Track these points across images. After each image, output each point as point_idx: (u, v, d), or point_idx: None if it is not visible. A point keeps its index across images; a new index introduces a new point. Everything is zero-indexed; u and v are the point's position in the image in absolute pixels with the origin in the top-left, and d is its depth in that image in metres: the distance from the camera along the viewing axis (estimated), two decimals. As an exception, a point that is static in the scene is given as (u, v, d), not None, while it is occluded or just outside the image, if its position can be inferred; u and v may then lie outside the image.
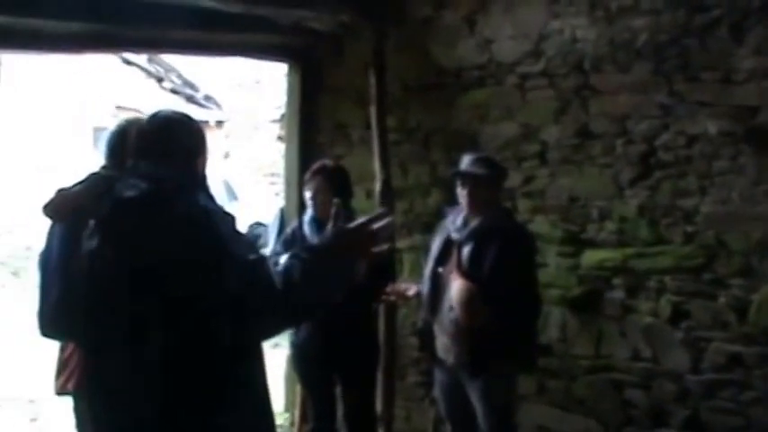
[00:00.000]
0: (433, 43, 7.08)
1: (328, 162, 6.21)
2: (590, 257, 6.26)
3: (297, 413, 7.43)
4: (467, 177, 5.40)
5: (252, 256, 3.48)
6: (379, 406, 6.58)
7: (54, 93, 21.35)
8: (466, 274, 5.23)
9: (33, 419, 8.49)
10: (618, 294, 6.13)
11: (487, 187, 5.40)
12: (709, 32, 5.62)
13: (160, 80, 24.67)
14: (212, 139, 23.24)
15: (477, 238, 5.33)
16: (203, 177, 3.83)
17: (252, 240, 3.84)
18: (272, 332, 3.68)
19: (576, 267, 6.33)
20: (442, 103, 7.03)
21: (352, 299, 5.44)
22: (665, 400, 5.94)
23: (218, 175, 16.64)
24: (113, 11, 6.37)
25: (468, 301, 5.16)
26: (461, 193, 5.43)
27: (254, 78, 19.62)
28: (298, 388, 7.24)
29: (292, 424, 7.61)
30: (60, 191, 4.45)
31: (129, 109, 21.01)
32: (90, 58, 20.08)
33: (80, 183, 4.44)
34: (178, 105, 23.20)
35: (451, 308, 5.27)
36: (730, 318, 5.64)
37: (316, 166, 6.06)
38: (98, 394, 3.77)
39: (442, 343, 5.45)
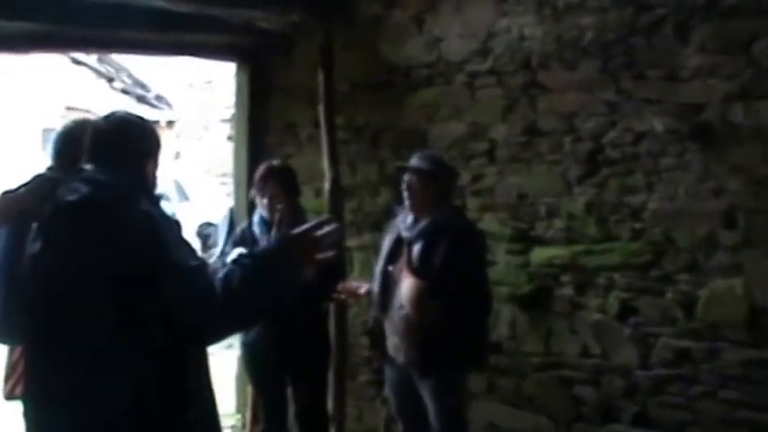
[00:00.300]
0: (381, 42, 7.09)
1: (275, 163, 6.19)
2: (539, 255, 6.29)
3: (248, 414, 7.40)
4: (409, 172, 5.43)
5: (193, 263, 3.49)
6: (330, 405, 6.57)
7: (1, 93, 21.15)
8: (416, 271, 5.24)
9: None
10: (567, 291, 6.16)
11: (431, 184, 5.40)
12: (655, 31, 5.65)
13: (110, 80, 24.50)
14: (163, 139, 23.18)
15: (428, 235, 5.34)
16: (152, 181, 3.86)
17: (194, 246, 3.83)
18: (212, 338, 3.66)
19: (526, 265, 6.36)
20: (391, 101, 7.04)
21: (302, 299, 5.46)
22: (615, 395, 5.97)
23: (168, 175, 16.60)
24: (61, 10, 6.31)
25: (418, 299, 5.17)
26: (405, 189, 5.46)
27: (205, 78, 19.51)
28: (249, 389, 7.22)
29: (244, 425, 7.58)
30: (5, 193, 4.41)
31: (79, 109, 20.86)
32: (38, 58, 19.96)
33: (25, 185, 4.39)
34: (129, 105, 23.06)
35: (401, 306, 5.27)
36: (678, 313, 5.67)
37: (263, 169, 6.04)
38: (40, 398, 3.77)
39: (393, 341, 5.45)
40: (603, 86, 5.88)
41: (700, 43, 5.49)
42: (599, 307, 6.01)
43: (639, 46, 5.72)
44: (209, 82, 19.41)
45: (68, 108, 21.19)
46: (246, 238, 6.00)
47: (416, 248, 5.35)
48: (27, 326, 3.74)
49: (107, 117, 3.88)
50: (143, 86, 25.31)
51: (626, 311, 5.89)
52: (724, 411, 5.52)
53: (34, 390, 3.86)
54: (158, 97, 24.92)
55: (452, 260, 5.21)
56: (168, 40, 7.41)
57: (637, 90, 5.75)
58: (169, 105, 24.14)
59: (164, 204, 5.96)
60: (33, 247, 3.65)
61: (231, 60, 8.14)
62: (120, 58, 24.06)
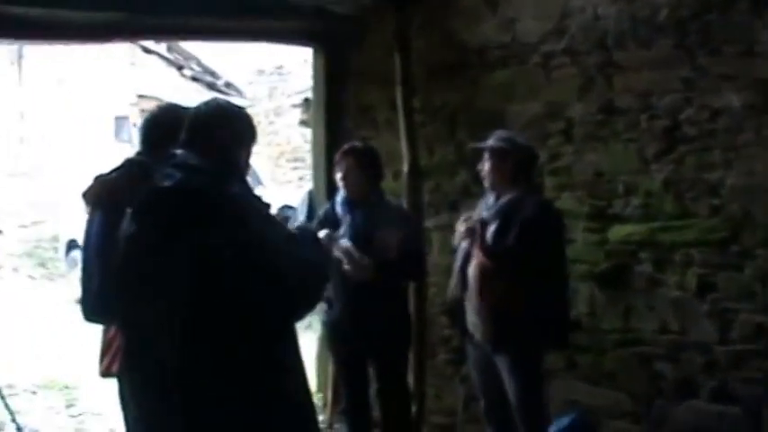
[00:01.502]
0: (455, 23, 7.13)
1: (358, 143, 6.29)
2: (616, 232, 6.30)
3: (329, 393, 7.51)
4: (484, 152, 5.55)
5: (287, 242, 3.76)
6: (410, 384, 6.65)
7: (74, 83, 21.47)
8: (486, 250, 5.34)
9: (69, 405, 8.59)
10: (645, 268, 6.15)
11: (505, 162, 5.49)
12: (731, 6, 5.64)
13: (180, 68, 24.76)
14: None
15: (503, 215, 5.42)
16: (244, 167, 3.98)
17: (284, 224, 4.04)
18: (306, 310, 3.92)
19: (604, 242, 6.37)
20: (467, 82, 7.08)
21: (383, 278, 5.59)
22: (694, 371, 5.97)
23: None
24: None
25: (481, 278, 5.29)
26: (482, 169, 5.56)
27: (275, 64, 19.65)
28: (330, 368, 7.32)
29: (325, 404, 7.68)
30: (98, 178, 4.53)
31: (150, 97, 21.12)
32: (109, 48, 20.25)
33: (116, 169, 4.52)
34: (198, 93, 23.36)
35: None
36: (757, 288, 5.66)
37: (345, 147, 6.14)
38: (134, 377, 3.93)
39: (471, 319, 5.52)
40: (679, 63, 5.89)
41: (776, 18, 5.49)
42: (677, 283, 6.01)
43: (715, 22, 5.71)
44: (280, 68, 19.54)
45: (139, 96, 21.48)
46: (329, 218, 6.10)
47: (492, 228, 5.43)
48: (122, 307, 3.90)
49: (206, 104, 4.05)
50: (213, 74, 25.56)
51: (704, 287, 5.89)
52: (804, 386, 5.53)
53: (128, 369, 4.02)
54: (228, 84, 25.15)
55: (526, 239, 5.28)
56: (241, 27, 7.51)
57: (713, 66, 5.75)
58: (239, 92, 24.33)
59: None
60: (128, 230, 3.78)
61: (306, 45, 8.22)
62: (189, 47, 24.32)
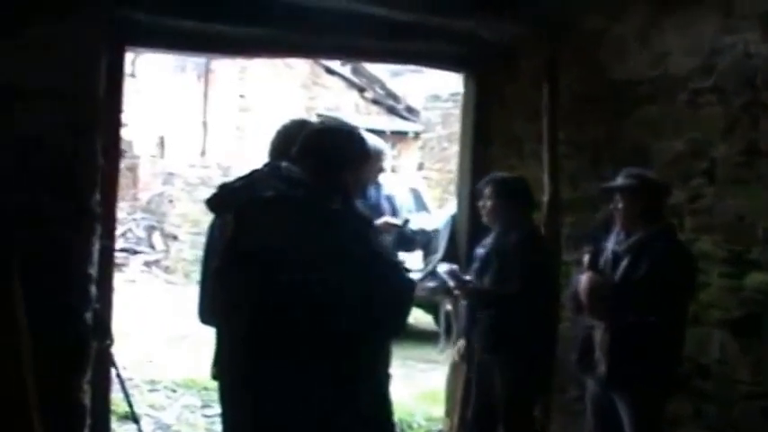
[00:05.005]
0: (605, 55, 7.02)
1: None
2: (753, 279, 6.08)
3: (455, 418, 7.45)
4: (614, 191, 5.51)
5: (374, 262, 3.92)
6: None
7: (255, 99, 21.92)
8: (594, 269, 5.45)
9: (205, 405, 8.81)
10: (780, 320, 5.93)
11: (636, 200, 5.41)
12: None
13: (362, 90, 25.00)
14: (409, 150, 23.36)
15: (635, 252, 5.40)
16: (346, 187, 4.12)
17: (385, 245, 4.34)
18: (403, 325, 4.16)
19: (739, 289, 6.15)
20: (613, 117, 6.96)
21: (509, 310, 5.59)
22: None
23: (407, 185, 16.72)
24: (284, 16, 6.60)
25: (590, 291, 5.35)
26: (613, 208, 5.53)
27: (449, 91, 19.62)
28: (458, 394, 7.29)
29: (450, 429, 7.64)
30: (222, 186, 4.65)
31: (329, 117, 21.41)
32: (291, 66, 20.68)
33: (242, 179, 4.62)
34: (379, 116, 23.64)
35: None
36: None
37: None
38: (233, 381, 4.06)
39: (597, 353, 5.48)
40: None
41: None
42: (811, 338, 5.77)
43: None
44: (455, 94, 19.48)
45: (319, 115, 21.77)
46: None
47: (624, 263, 5.43)
48: (218, 310, 4.07)
49: (322, 123, 4.28)
50: (395, 98, 25.73)
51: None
52: None
53: (227, 372, 4.20)
54: (409, 109, 25.27)
55: (651, 279, 5.23)
56: (392, 48, 7.54)
57: None
58: (418, 117, 24.47)
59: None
60: (227, 236, 4.08)
61: (457, 71, 8.23)
62: (373, 69, 24.56)
